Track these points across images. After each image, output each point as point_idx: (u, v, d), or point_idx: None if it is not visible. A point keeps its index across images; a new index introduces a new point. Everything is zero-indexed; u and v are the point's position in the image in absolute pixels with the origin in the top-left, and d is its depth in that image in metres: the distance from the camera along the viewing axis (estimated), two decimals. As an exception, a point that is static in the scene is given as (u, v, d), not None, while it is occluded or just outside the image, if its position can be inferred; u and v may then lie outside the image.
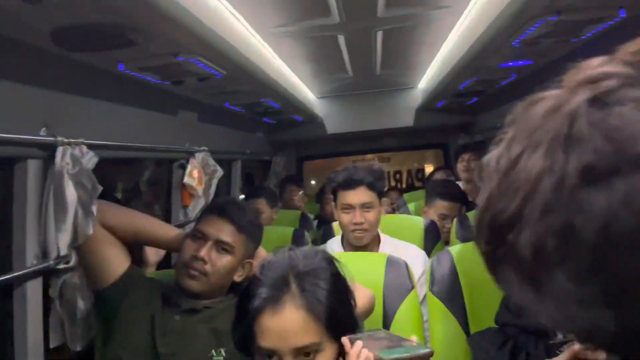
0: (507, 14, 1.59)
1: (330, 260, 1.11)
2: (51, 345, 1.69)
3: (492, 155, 0.42)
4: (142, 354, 1.54)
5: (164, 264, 2.39)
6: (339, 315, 1.04)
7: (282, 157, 4.85)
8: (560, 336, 1.15)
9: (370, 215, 2.11)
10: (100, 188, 1.65)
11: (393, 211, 4.16)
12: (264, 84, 2.43)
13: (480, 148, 3.85)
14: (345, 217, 2.13)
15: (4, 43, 1.25)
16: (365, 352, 0.98)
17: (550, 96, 0.41)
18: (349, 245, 2.22)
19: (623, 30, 1.73)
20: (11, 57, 1.32)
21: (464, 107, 4.10)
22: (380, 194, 2.19)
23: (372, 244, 2.22)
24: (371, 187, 2.13)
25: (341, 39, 2.52)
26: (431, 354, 1.02)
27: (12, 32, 1.24)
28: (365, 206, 2.10)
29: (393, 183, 5.74)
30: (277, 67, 2.76)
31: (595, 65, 0.40)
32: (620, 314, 0.34)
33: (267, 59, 2.50)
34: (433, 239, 2.50)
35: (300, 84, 3.65)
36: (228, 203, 1.68)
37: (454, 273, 1.61)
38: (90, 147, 1.66)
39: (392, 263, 1.74)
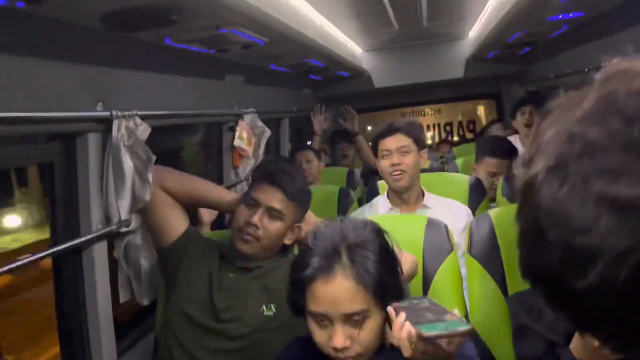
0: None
1: (378, 232, 1.17)
2: (121, 301, 1.87)
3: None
4: (201, 307, 1.68)
5: (217, 222, 2.54)
6: (386, 284, 1.11)
7: (330, 112, 4.87)
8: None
9: (408, 159, 2.22)
10: (154, 157, 1.76)
11: (443, 165, 4.16)
12: (307, 45, 2.45)
13: (539, 100, 3.72)
14: (384, 163, 2.26)
15: (58, 26, 1.34)
16: (407, 325, 1.04)
17: None
18: (394, 197, 2.29)
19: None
20: (65, 39, 1.41)
21: (517, 57, 3.95)
22: (418, 142, 2.26)
23: (417, 198, 2.28)
24: (407, 133, 2.25)
25: (385, -4, 2.48)
26: (470, 330, 1.07)
27: (65, 15, 1.32)
28: (402, 150, 2.23)
29: (444, 135, 5.67)
30: (319, 26, 2.76)
31: None
32: None
33: (308, 19, 2.51)
34: (478, 197, 2.50)
35: (345, 39, 3.62)
36: (278, 171, 1.74)
37: (492, 236, 1.63)
38: (143, 117, 1.76)
39: (431, 225, 1.78)
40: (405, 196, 2.26)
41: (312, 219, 1.79)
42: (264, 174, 1.76)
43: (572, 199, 0.37)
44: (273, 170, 1.75)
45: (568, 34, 2.76)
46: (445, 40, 4.15)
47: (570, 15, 2.21)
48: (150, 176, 1.75)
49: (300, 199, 1.73)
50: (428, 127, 5.60)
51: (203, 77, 2.32)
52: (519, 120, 3.55)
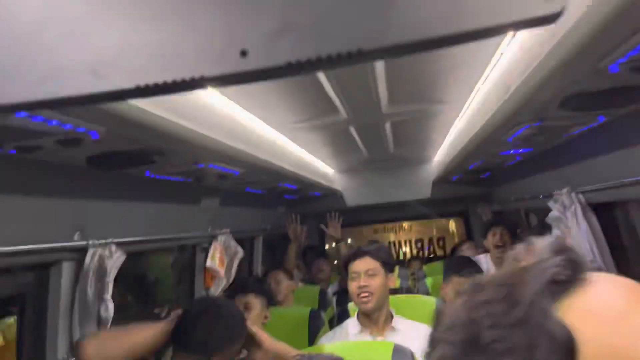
0: (496, 120, 1.74)
1: None
2: None
3: None
4: None
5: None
6: None
7: (303, 227, 4.98)
8: None
9: (375, 281, 2.30)
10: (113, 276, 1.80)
11: (413, 282, 4.22)
12: (280, 173, 2.60)
13: (506, 220, 3.86)
14: (352, 285, 2.33)
15: (44, 165, 1.45)
16: None
17: None
18: (363, 319, 2.32)
19: (614, 124, 1.85)
20: (49, 176, 1.51)
21: (480, 180, 4.21)
22: (386, 265, 2.34)
23: (385, 320, 2.33)
24: (375, 257, 2.36)
25: (352, 130, 2.70)
26: None
27: (53, 158, 1.43)
28: (369, 273, 2.32)
29: (415, 252, 5.79)
30: (294, 154, 2.95)
31: None
32: None
33: (283, 149, 2.69)
34: (445, 320, 2.55)
35: (318, 162, 3.84)
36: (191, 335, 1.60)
37: None
38: (120, 244, 1.83)
39: (398, 353, 1.81)
40: (374, 317, 2.31)
41: (266, 344, 1.76)
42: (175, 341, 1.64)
43: None
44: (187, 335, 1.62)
45: (522, 164, 2.99)
46: (412, 164, 4.40)
47: (520, 150, 2.42)
48: (109, 294, 1.78)
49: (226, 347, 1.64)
50: (399, 243, 5.73)
51: (179, 203, 2.42)
52: (490, 240, 3.67)
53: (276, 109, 2.13)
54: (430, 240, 5.80)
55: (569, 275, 0.50)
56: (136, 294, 2.92)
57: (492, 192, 4.55)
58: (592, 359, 0.45)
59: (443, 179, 4.22)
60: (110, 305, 1.80)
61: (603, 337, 0.45)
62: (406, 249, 5.78)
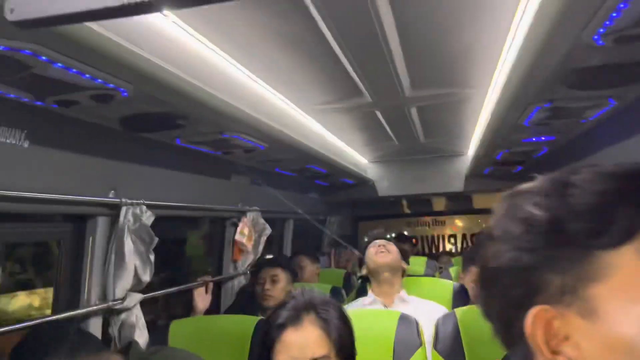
0: (507, 99, 1.80)
1: (339, 305, 1.36)
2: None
3: None
4: None
5: (212, 310, 2.67)
6: (345, 340, 1.28)
7: (336, 217, 5.09)
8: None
9: (393, 248, 2.50)
10: (156, 239, 1.97)
11: (440, 274, 4.25)
12: (307, 152, 2.72)
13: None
14: (371, 250, 2.50)
15: (82, 124, 1.62)
16: None
17: None
18: (376, 288, 2.42)
19: (627, 113, 1.87)
20: (87, 135, 1.69)
21: (512, 175, 4.19)
22: (403, 252, 2.47)
23: (397, 291, 2.41)
24: (395, 243, 2.56)
25: (378, 114, 2.78)
26: None
27: (89, 117, 1.59)
28: (389, 245, 2.53)
29: (448, 247, 5.79)
30: (322, 136, 3.06)
31: None
32: None
33: (311, 130, 2.81)
34: (461, 302, 2.60)
35: (350, 150, 3.93)
36: None
37: (456, 333, 1.74)
38: (149, 206, 1.99)
39: (403, 320, 1.90)
40: (385, 288, 2.40)
41: None
42: None
43: None
44: None
45: (550, 155, 3.00)
46: (446, 156, 4.43)
47: (543, 138, 2.45)
48: (152, 257, 1.94)
49: None
50: (431, 238, 5.76)
51: (210, 176, 2.58)
52: None
53: (301, 89, 2.24)
54: (464, 236, 5.78)
55: None
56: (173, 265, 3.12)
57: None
58: None
59: (475, 172, 4.23)
60: (149, 268, 1.97)
61: None
62: (439, 243, 5.79)
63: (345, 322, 1.32)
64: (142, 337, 2.02)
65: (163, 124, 1.68)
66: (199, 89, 1.49)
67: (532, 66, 1.36)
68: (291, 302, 1.31)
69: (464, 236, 5.78)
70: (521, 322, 0.54)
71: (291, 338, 1.24)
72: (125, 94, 1.33)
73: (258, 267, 2.79)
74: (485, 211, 5.47)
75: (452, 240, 5.78)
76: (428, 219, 5.78)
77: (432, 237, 5.78)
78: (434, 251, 5.70)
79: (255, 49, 1.65)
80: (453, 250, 5.65)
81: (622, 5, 0.94)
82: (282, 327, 1.26)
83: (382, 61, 1.92)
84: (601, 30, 1.05)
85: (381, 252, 2.44)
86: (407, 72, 2.11)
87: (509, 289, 0.56)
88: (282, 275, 2.67)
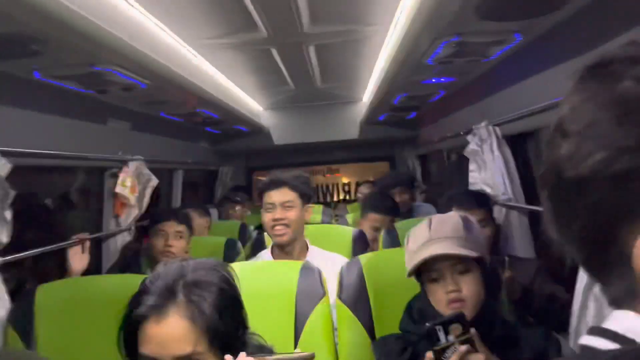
0: (413, 34, 1.69)
1: (223, 277, 1.11)
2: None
3: None
4: None
5: (91, 271, 2.39)
6: (222, 330, 1.05)
7: (229, 168, 4.87)
8: (443, 341, 1.21)
9: (291, 213, 2.17)
10: (12, 193, 1.65)
11: (335, 222, 4.24)
12: (197, 94, 2.46)
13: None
14: (267, 216, 2.18)
15: None
16: None
17: None
18: (277, 251, 2.26)
19: (529, 51, 1.85)
20: None
21: (406, 122, 4.22)
22: (304, 197, 2.23)
23: (300, 252, 2.27)
24: (293, 187, 2.20)
25: (274, 52, 2.58)
26: (312, 356, 1.06)
27: None
28: (286, 205, 2.17)
29: (342, 195, 5.83)
30: (213, 78, 2.80)
31: None
32: None
33: (201, 70, 2.54)
34: (360, 248, 2.55)
35: (243, 95, 3.69)
36: None
37: (361, 281, 1.66)
38: (4, 154, 1.66)
39: (305, 270, 1.78)
40: (288, 249, 2.24)
41: None
42: None
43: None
44: None
45: (446, 99, 3.00)
46: (341, 103, 4.36)
47: (442, 79, 2.41)
48: (8, 214, 1.63)
49: None
50: (328, 186, 5.75)
51: (82, 119, 2.24)
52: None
53: (188, 19, 1.97)
54: (358, 184, 5.84)
55: None
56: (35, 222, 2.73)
57: (418, 135, 4.60)
58: None
59: (371, 119, 4.21)
60: (6, 228, 1.65)
61: None
62: (334, 191, 5.81)
63: (226, 308, 1.08)
64: (2, 307, 1.72)
65: (12, 49, 1.35)
66: (61, 5, 1.20)
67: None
68: (157, 283, 1.06)
69: (357, 184, 5.84)
70: (620, 245, 0.41)
71: (152, 332, 1.02)
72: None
73: (153, 219, 2.49)
74: (379, 158, 5.58)
75: (347, 188, 5.82)
76: (323, 167, 5.74)
77: (327, 185, 5.76)
78: (329, 199, 5.70)
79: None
80: (347, 198, 5.70)
81: None
82: (143, 318, 1.03)
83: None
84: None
85: (278, 230, 2.15)
86: (307, 4, 1.93)
87: (599, 204, 0.42)
88: (186, 233, 2.44)
